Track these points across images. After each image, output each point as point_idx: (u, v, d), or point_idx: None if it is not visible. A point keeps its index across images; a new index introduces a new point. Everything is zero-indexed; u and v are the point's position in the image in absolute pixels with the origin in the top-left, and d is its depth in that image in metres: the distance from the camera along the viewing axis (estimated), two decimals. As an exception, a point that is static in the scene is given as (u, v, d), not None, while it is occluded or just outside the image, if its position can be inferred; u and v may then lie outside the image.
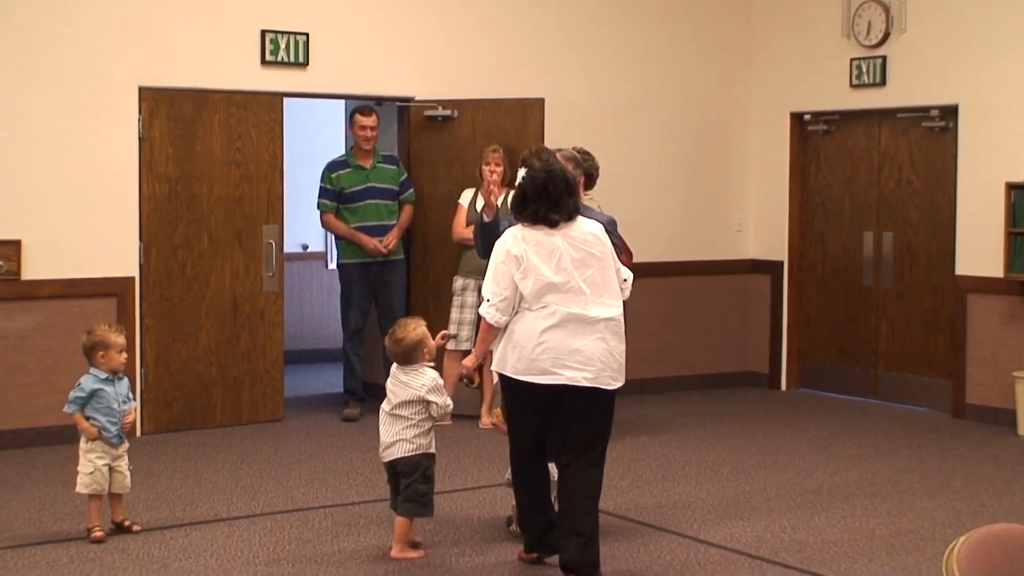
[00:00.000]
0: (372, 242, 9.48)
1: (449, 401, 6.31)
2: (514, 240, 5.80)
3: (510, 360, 5.77)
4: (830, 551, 6.42)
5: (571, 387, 5.71)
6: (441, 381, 6.35)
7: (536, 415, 5.87)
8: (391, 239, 9.57)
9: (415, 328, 6.29)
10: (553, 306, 5.72)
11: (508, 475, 6.51)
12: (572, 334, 5.70)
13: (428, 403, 6.20)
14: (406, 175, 9.71)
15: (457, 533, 6.63)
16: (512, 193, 5.99)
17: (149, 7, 8.94)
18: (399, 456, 6.22)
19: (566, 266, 5.75)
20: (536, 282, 5.73)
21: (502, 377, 5.88)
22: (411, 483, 6.21)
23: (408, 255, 9.79)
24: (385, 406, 6.29)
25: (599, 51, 10.66)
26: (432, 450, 6.30)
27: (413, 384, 6.21)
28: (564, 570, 5.78)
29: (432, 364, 6.34)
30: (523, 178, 5.89)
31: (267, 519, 6.91)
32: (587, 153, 8.36)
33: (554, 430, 5.92)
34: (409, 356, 6.24)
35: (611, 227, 6.53)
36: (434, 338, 6.34)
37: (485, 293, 5.83)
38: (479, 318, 9.10)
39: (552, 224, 5.80)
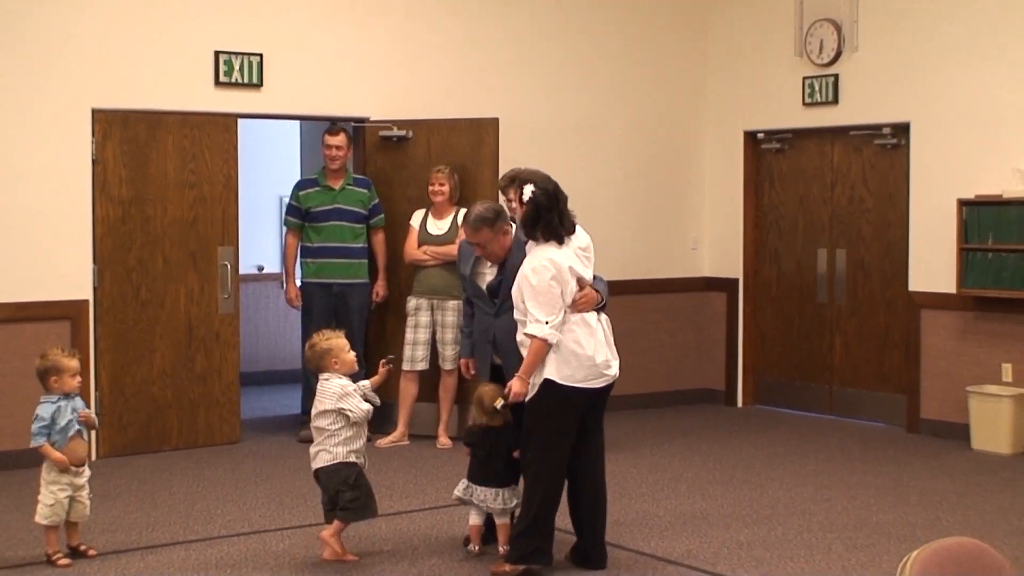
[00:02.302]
0: (291, 292, 9.64)
1: (364, 405, 6.43)
2: (550, 264, 6.03)
3: (565, 370, 6.03)
4: (787, 566, 6.45)
5: (608, 385, 6.18)
6: (350, 388, 6.43)
7: (577, 421, 6.14)
8: (382, 288, 9.60)
9: (328, 338, 6.56)
10: (586, 315, 6.11)
11: (457, 493, 6.53)
12: (603, 336, 6.17)
13: (340, 411, 6.37)
14: (377, 200, 9.65)
15: (414, 553, 6.61)
16: (521, 212, 6.19)
17: (102, 28, 8.89)
18: (320, 466, 6.45)
19: (582, 275, 6.14)
20: (572, 297, 6.06)
21: (549, 389, 6.01)
22: (337, 492, 6.40)
23: (372, 279, 9.74)
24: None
25: (554, 71, 10.70)
26: (352, 459, 6.42)
27: (324, 394, 6.42)
28: (596, 567, 6.25)
29: (346, 374, 6.49)
30: (533, 192, 6.12)
31: (224, 542, 6.87)
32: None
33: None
34: (319, 363, 6.51)
35: None
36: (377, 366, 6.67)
37: (539, 316, 5.96)
38: (433, 337, 9.16)
39: (560, 240, 6.14)
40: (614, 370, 6.19)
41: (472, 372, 6.99)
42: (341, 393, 6.40)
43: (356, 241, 9.58)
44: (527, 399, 6.11)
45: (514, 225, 6.72)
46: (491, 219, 6.60)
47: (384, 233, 9.71)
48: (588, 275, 6.21)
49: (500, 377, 6.59)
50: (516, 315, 6.16)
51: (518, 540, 6.17)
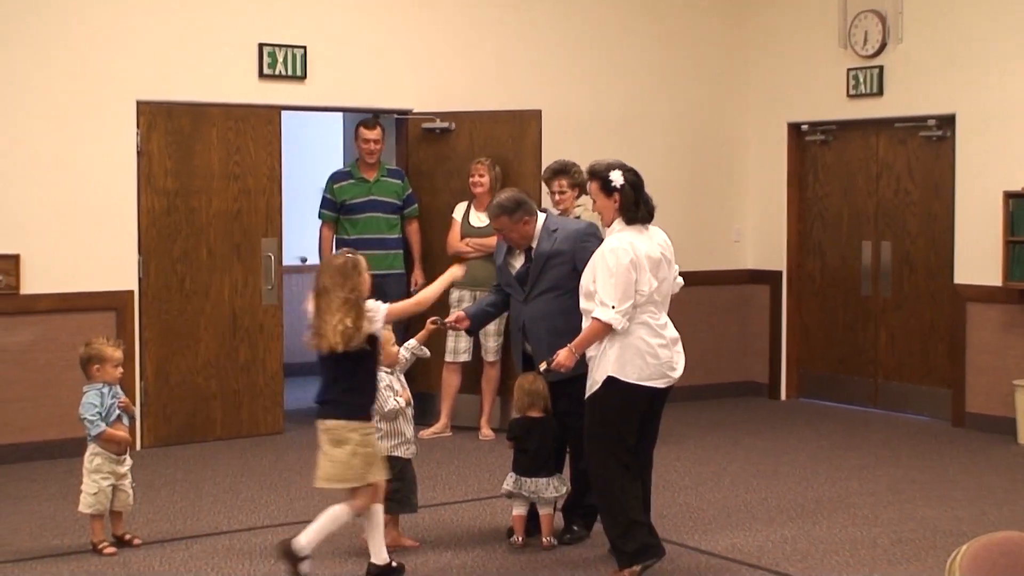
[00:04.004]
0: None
1: (391, 403, 6.37)
2: (631, 248, 5.89)
3: (633, 367, 5.89)
4: (832, 560, 6.41)
5: (671, 386, 6.06)
6: (383, 384, 6.37)
7: (638, 419, 6.01)
8: (419, 277, 9.63)
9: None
10: (656, 311, 5.98)
11: (507, 487, 6.51)
12: (673, 336, 6.05)
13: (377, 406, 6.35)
14: (410, 190, 9.70)
15: (458, 544, 6.62)
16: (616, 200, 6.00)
17: (147, 22, 8.94)
18: None
19: (660, 270, 5.98)
20: (646, 289, 5.90)
21: (611, 386, 5.88)
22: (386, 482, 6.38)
23: (407, 268, 9.77)
24: None
25: (597, 62, 10.68)
26: (397, 453, 6.43)
27: None
28: (653, 557, 6.05)
29: (388, 370, 6.44)
30: (625, 176, 5.98)
31: (268, 531, 6.90)
32: (576, 165, 8.43)
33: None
34: None
35: (591, 232, 6.61)
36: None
37: (607, 299, 5.79)
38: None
39: (644, 224, 6.02)
40: (678, 371, 6.05)
41: (464, 321, 6.91)
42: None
43: (392, 232, 9.61)
44: (588, 395, 5.98)
45: (541, 215, 6.71)
46: (509, 208, 6.61)
47: (418, 223, 9.73)
48: (673, 272, 6.09)
49: (532, 367, 6.58)
50: (582, 299, 6.00)
51: (620, 543, 5.99)
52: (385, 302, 9.28)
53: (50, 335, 8.61)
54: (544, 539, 6.56)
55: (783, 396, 11.25)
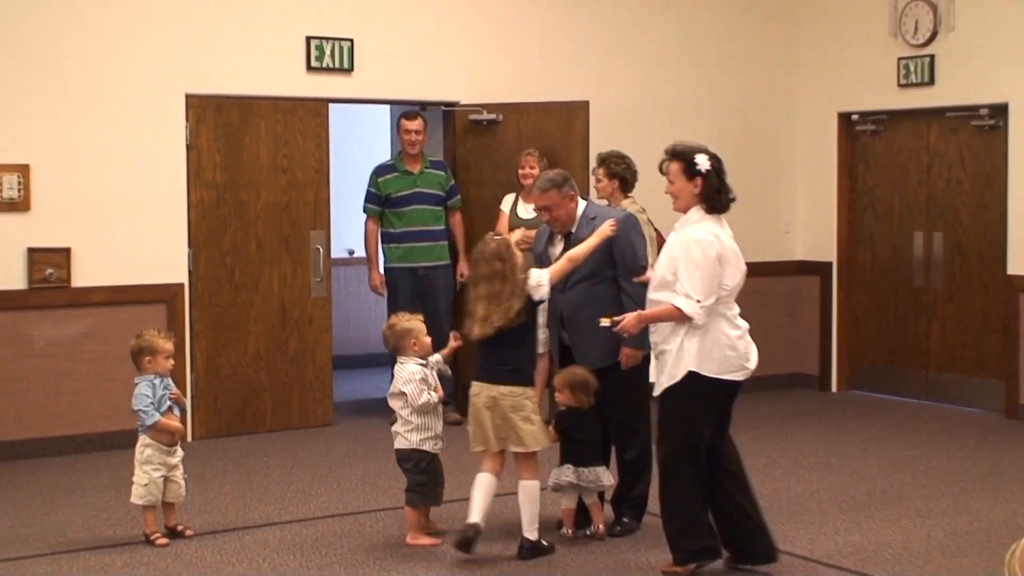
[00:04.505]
0: (375, 280, 9.68)
1: (424, 397, 6.41)
2: (717, 240, 5.78)
3: (713, 361, 5.76)
4: (885, 554, 6.36)
5: (747, 378, 5.93)
6: (418, 376, 6.43)
7: (715, 414, 5.90)
8: (465, 268, 9.62)
9: (408, 319, 6.59)
10: (733, 303, 5.88)
11: (565, 478, 6.48)
12: (746, 327, 5.90)
13: (405, 395, 6.44)
14: (453, 181, 9.71)
15: (508, 535, 6.56)
16: (698, 184, 5.85)
17: (195, 15, 8.98)
18: (396, 447, 6.55)
19: (740, 263, 5.87)
20: (732, 283, 5.82)
21: (692, 381, 5.76)
22: (408, 474, 6.49)
23: (454, 260, 9.77)
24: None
25: (644, 53, 10.63)
26: (425, 447, 6.47)
27: (397, 377, 6.48)
28: (763, 562, 5.96)
29: (423, 360, 6.51)
30: (710, 161, 5.84)
31: (319, 523, 6.93)
32: (621, 157, 8.40)
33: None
34: (397, 344, 6.54)
35: (631, 223, 6.59)
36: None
37: (692, 291, 5.67)
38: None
39: (723, 211, 5.90)
40: (753, 362, 5.90)
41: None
42: (407, 378, 6.47)
43: (437, 223, 9.62)
44: (664, 388, 5.83)
45: (582, 202, 6.69)
46: (559, 182, 6.59)
47: (461, 214, 9.73)
48: (737, 274, 5.90)
49: (569, 357, 6.55)
50: (652, 291, 5.87)
51: (681, 540, 5.91)
52: (432, 295, 9.45)
53: (101, 328, 8.67)
54: (598, 527, 6.55)
55: (834, 388, 11.17)
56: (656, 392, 5.91)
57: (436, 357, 6.68)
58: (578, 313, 6.50)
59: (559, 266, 6.39)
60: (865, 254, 11.09)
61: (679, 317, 5.71)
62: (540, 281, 6.21)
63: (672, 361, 5.79)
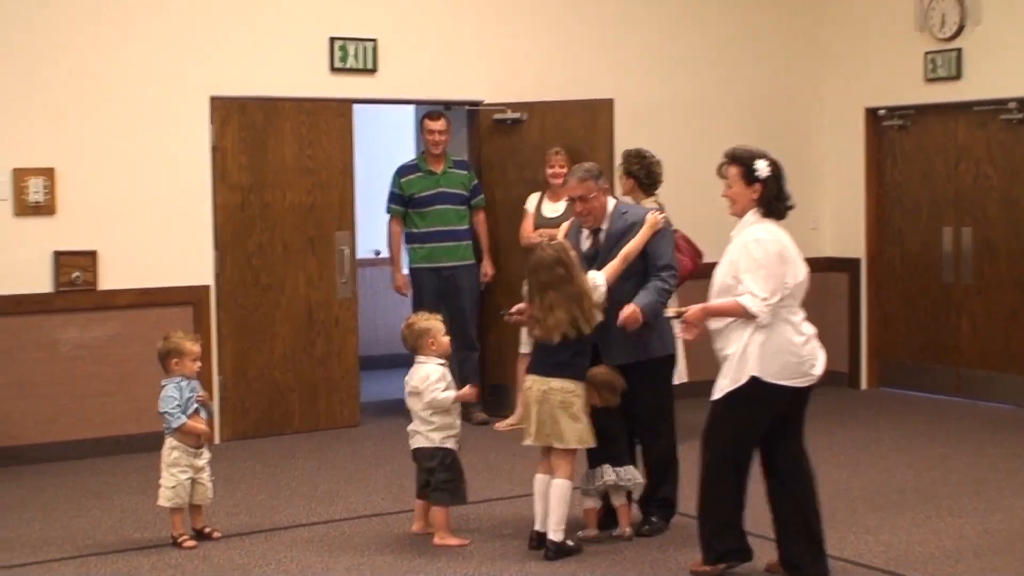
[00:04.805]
0: (398, 280, 9.70)
1: (440, 396, 6.43)
2: (777, 238, 5.70)
3: (775, 366, 5.66)
4: (916, 552, 6.31)
5: (813, 384, 5.80)
6: (436, 375, 6.45)
7: (770, 420, 5.78)
8: (489, 268, 9.63)
9: (427, 319, 6.61)
10: (795, 306, 5.74)
11: (596, 482, 6.44)
12: (812, 332, 5.79)
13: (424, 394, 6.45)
14: (476, 181, 9.69)
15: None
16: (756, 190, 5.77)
17: (218, 17, 8.99)
18: (416, 447, 6.55)
19: (801, 263, 5.76)
20: (795, 284, 5.70)
21: (753, 385, 5.65)
22: (433, 472, 6.48)
23: (478, 260, 9.74)
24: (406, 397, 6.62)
25: (668, 50, 10.58)
26: (448, 445, 6.50)
27: (414, 377, 6.51)
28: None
29: (442, 361, 6.53)
30: (769, 166, 5.77)
31: (346, 524, 6.92)
32: (639, 156, 8.36)
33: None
34: (415, 343, 6.55)
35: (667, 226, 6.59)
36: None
37: (756, 290, 5.56)
38: None
39: (781, 217, 5.80)
40: (819, 369, 5.77)
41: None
42: (424, 376, 6.48)
43: (461, 223, 9.61)
44: (723, 392, 5.72)
45: (611, 200, 6.66)
46: (596, 173, 6.60)
47: (485, 213, 9.71)
48: (800, 274, 5.79)
49: (597, 356, 6.51)
50: (714, 298, 5.76)
51: (713, 540, 5.86)
52: (457, 295, 9.43)
53: (128, 330, 8.68)
54: (625, 530, 6.52)
55: (863, 385, 11.10)
56: (714, 395, 5.79)
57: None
58: (609, 310, 6.45)
59: (614, 266, 6.40)
60: (894, 250, 11.01)
61: (743, 314, 5.61)
62: (596, 282, 6.27)
63: (735, 365, 5.68)
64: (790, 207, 5.84)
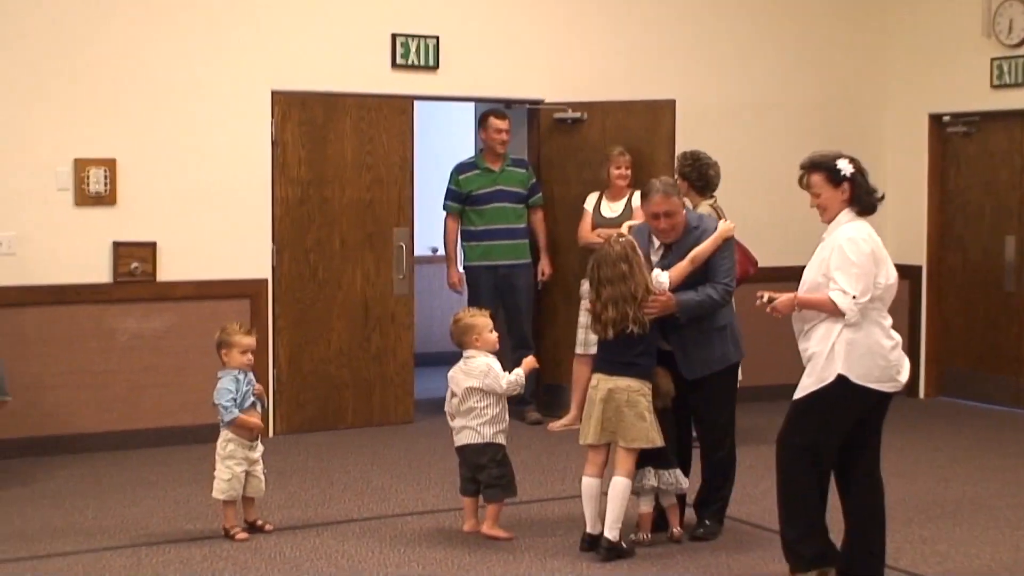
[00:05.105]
0: (453, 277, 9.70)
1: (505, 380, 6.47)
2: (871, 237, 5.64)
3: (859, 368, 5.58)
4: (973, 564, 6.23)
5: (896, 391, 5.73)
6: (495, 364, 6.51)
7: (853, 422, 5.71)
8: (547, 267, 9.60)
9: (473, 315, 6.64)
10: (884, 309, 5.67)
11: (649, 481, 6.40)
12: (899, 339, 5.73)
13: (489, 390, 6.48)
14: (535, 179, 9.67)
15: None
16: (842, 188, 5.70)
17: (281, 12, 9.02)
18: (465, 443, 6.54)
19: (892, 265, 5.71)
20: (886, 286, 5.64)
21: (840, 385, 5.58)
22: (485, 469, 6.49)
23: (534, 259, 9.72)
24: (450, 395, 6.63)
25: (731, 51, 10.52)
26: (499, 440, 6.53)
27: (471, 372, 6.51)
28: (830, 565, 5.77)
29: (490, 356, 6.58)
30: (851, 163, 5.72)
31: (398, 520, 6.91)
32: (695, 158, 8.30)
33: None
34: (461, 339, 6.61)
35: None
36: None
37: (847, 287, 5.49)
38: None
39: (873, 212, 5.77)
40: (904, 375, 5.69)
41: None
42: (486, 371, 6.50)
43: (519, 222, 9.58)
44: (809, 391, 5.62)
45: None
46: (677, 188, 6.59)
47: (543, 212, 9.68)
48: (889, 276, 5.71)
49: (670, 363, 6.47)
50: (805, 289, 5.67)
51: (799, 546, 5.75)
52: (512, 294, 9.42)
53: (185, 322, 8.73)
54: (675, 530, 6.49)
55: (922, 394, 10.98)
56: (797, 395, 5.70)
57: (518, 371, 6.64)
58: (689, 322, 6.43)
59: (681, 267, 6.37)
60: (955, 258, 10.88)
61: (832, 310, 5.53)
62: (660, 280, 6.28)
63: (822, 364, 5.59)
64: (881, 198, 5.80)
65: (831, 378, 5.56)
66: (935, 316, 10.96)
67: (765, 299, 5.72)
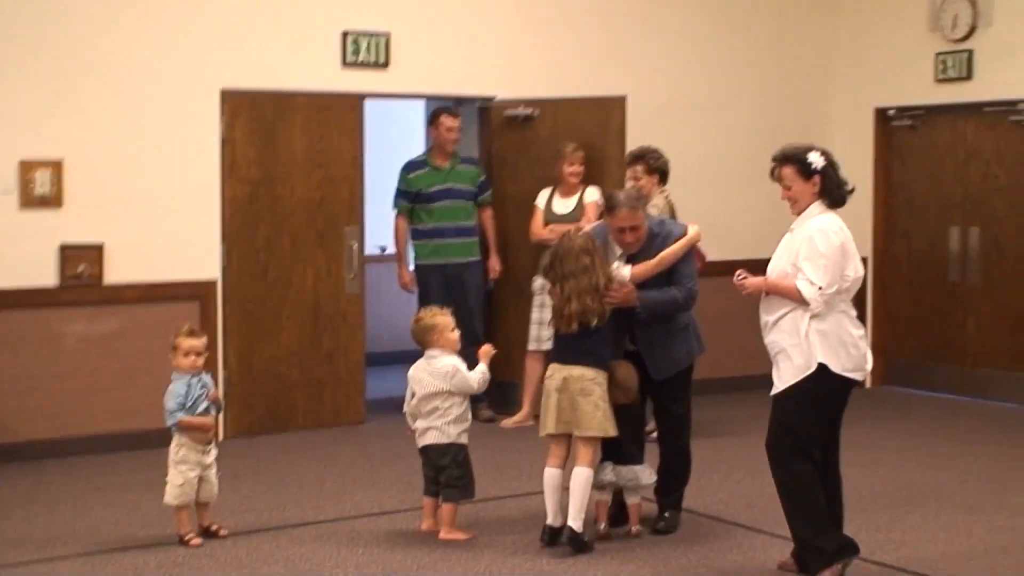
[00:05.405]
0: (404, 277, 9.64)
1: (473, 376, 6.48)
2: (841, 231, 5.69)
3: (838, 357, 5.63)
4: (927, 550, 6.30)
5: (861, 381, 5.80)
6: (459, 363, 6.50)
7: (831, 416, 5.78)
8: (496, 264, 9.60)
9: (435, 315, 6.62)
10: (849, 299, 5.71)
11: (606, 477, 6.42)
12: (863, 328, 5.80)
13: (459, 390, 6.47)
14: (484, 176, 9.66)
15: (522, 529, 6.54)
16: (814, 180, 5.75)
17: (230, 10, 8.94)
18: (431, 443, 6.51)
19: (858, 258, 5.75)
20: (854, 279, 5.69)
21: (822, 376, 5.61)
22: (445, 470, 6.46)
23: (484, 256, 9.70)
24: (411, 395, 6.59)
25: (681, 48, 10.56)
26: (462, 440, 6.52)
27: (436, 373, 6.47)
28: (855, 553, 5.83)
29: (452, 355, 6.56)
30: (823, 156, 5.75)
31: (354, 522, 6.88)
32: (657, 150, 8.45)
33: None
34: (423, 338, 6.58)
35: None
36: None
37: (815, 279, 5.54)
38: None
39: (842, 204, 5.83)
40: (870, 364, 5.80)
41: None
42: (453, 372, 6.48)
43: (468, 220, 9.57)
44: (787, 385, 5.64)
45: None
46: (642, 200, 6.57)
47: (492, 209, 9.68)
48: (857, 268, 5.77)
49: (637, 363, 6.48)
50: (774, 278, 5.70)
51: (818, 541, 5.71)
52: (463, 291, 9.39)
53: (134, 325, 8.63)
54: (634, 527, 6.50)
55: (868, 383, 11.05)
56: (778, 389, 5.70)
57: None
58: (654, 323, 6.46)
59: (648, 266, 6.39)
60: (900, 249, 10.98)
61: (797, 299, 5.58)
62: (622, 273, 6.32)
63: (803, 354, 5.61)
64: (851, 191, 5.85)
65: (812, 368, 5.60)
66: (881, 306, 11.06)
67: (743, 275, 5.77)
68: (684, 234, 6.52)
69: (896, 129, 10.91)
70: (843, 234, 5.69)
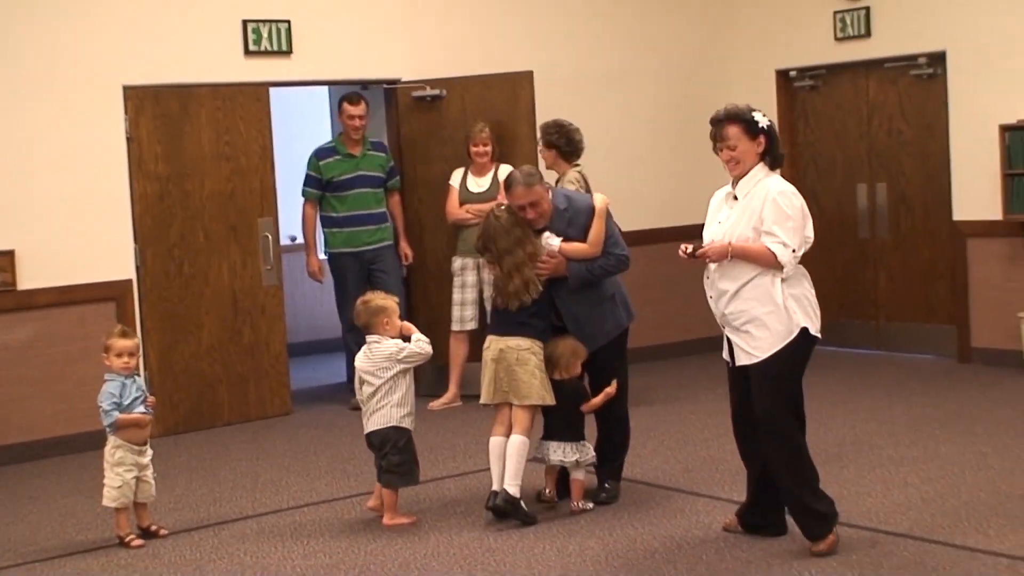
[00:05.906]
0: (313, 266, 9.62)
1: (417, 346, 6.44)
2: (797, 193, 5.66)
3: (809, 318, 5.66)
4: (866, 503, 6.39)
5: None
6: (402, 343, 6.44)
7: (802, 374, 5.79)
8: (407, 250, 9.56)
9: (384, 298, 6.56)
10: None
11: (538, 453, 6.44)
12: None
13: (410, 361, 6.43)
14: (393, 162, 9.60)
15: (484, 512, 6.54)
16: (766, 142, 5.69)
17: (128, 3, 8.78)
18: (371, 429, 6.47)
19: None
20: (811, 236, 5.71)
21: (804, 339, 5.62)
22: (385, 455, 6.42)
23: (397, 239, 9.66)
24: (359, 384, 6.51)
25: (585, 21, 10.58)
26: (405, 424, 6.45)
27: (377, 356, 6.42)
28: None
29: (392, 338, 6.49)
30: (768, 120, 5.68)
31: (294, 512, 6.83)
32: (558, 126, 8.41)
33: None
34: (369, 320, 6.47)
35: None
36: None
37: (787, 240, 5.52)
38: (481, 296, 9.06)
39: (781, 167, 5.82)
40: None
41: None
42: (397, 351, 6.42)
43: (380, 206, 9.53)
44: (772, 352, 5.58)
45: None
46: (539, 176, 6.54)
47: (400, 195, 9.65)
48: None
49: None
50: (740, 240, 5.60)
51: (816, 503, 5.66)
52: (381, 276, 9.33)
53: (50, 330, 8.47)
54: (574, 503, 6.50)
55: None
56: (759, 357, 5.61)
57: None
58: (572, 298, 6.50)
59: (578, 247, 6.42)
60: (810, 208, 10.91)
61: (770, 262, 5.53)
62: (551, 243, 6.39)
63: (778, 322, 5.57)
64: (783, 153, 5.86)
65: (795, 332, 5.60)
66: (794, 267, 11.16)
67: (690, 250, 5.68)
68: (591, 207, 6.53)
69: (798, 90, 11.04)
70: (800, 196, 5.69)
